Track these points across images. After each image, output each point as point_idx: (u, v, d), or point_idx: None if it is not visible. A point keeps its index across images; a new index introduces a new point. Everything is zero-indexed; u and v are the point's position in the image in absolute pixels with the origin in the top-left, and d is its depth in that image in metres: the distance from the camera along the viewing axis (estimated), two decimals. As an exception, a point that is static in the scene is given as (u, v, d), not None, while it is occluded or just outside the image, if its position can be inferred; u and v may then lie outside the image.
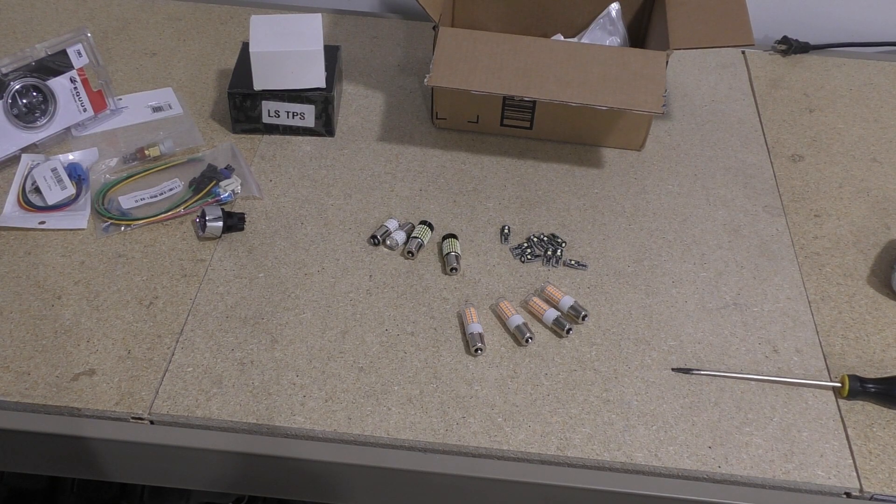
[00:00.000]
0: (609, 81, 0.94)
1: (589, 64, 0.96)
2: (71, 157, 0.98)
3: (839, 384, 0.80)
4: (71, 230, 0.92)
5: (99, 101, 1.03)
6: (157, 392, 0.77)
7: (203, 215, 0.90)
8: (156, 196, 0.95)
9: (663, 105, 0.92)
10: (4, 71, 0.95)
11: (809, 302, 0.89)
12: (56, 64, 0.98)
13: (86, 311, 0.84)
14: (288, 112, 1.03)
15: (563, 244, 0.93)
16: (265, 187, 0.98)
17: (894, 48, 1.29)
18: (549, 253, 0.92)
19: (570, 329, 0.84)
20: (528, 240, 0.94)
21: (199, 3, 1.28)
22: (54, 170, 0.94)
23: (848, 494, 0.74)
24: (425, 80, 0.94)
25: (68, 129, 1.01)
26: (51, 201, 0.93)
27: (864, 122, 1.14)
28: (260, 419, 0.76)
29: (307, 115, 1.03)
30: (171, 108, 1.07)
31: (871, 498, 0.74)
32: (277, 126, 1.05)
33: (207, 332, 0.83)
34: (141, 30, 1.22)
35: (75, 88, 1.00)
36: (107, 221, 0.92)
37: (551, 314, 0.85)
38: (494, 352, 0.83)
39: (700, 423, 0.78)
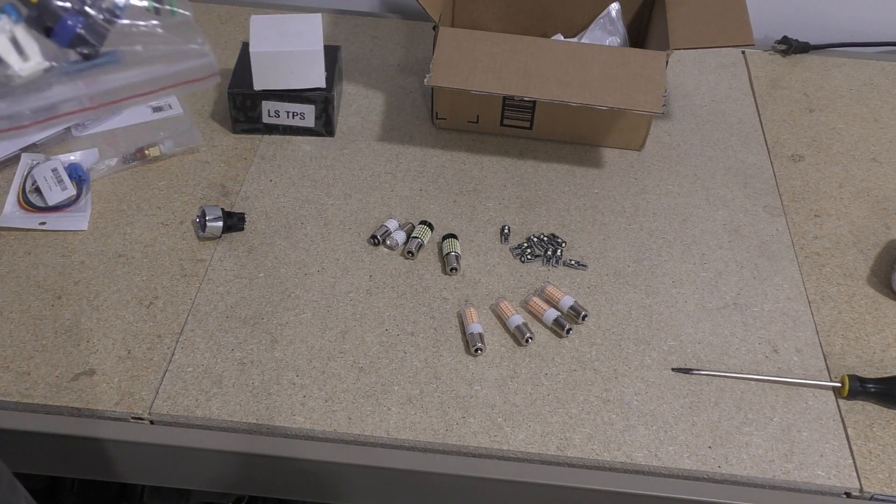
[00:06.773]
0: (609, 81, 0.94)
1: (589, 64, 0.96)
2: (71, 157, 0.98)
3: (839, 384, 0.80)
4: (71, 231, 0.92)
5: (99, 101, 1.03)
6: (157, 392, 0.77)
7: (203, 215, 0.90)
8: None
9: (663, 105, 0.92)
10: (4, 71, 0.95)
11: (809, 302, 0.89)
12: (56, 64, 0.98)
13: (86, 311, 0.84)
14: (288, 112, 1.03)
15: (563, 244, 0.93)
16: (265, 187, 0.98)
17: (894, 48, 1.28)
18: (549, 253, 0.92)
19: (570, 329, 0.84)
20: (528, 240, 0.94)
21: (199, 3, 1.28)
22: (54, 170, 0.94)
23: (848, 494, 0.74)
24: (425, 80, 0.94)
25: (68, 129, 1.01)
26: (51, 202, 0.93)
27: (864, 122, 1.14)
28: (260, 419, 0.76)
29: (307, 115, 1.03)
30: (171, 108, 1.07)
31: (871, 498, 0.74)
32: (277, 126, 1.05)
33: (207, 332, 0.83)
34: (141, 30, 1.22)
35: (75, 88, 1.00)
36: None
37: (551, 314, 0.85)
38: (494, 352, 0.83)
39: (700, 423, 0.78)
